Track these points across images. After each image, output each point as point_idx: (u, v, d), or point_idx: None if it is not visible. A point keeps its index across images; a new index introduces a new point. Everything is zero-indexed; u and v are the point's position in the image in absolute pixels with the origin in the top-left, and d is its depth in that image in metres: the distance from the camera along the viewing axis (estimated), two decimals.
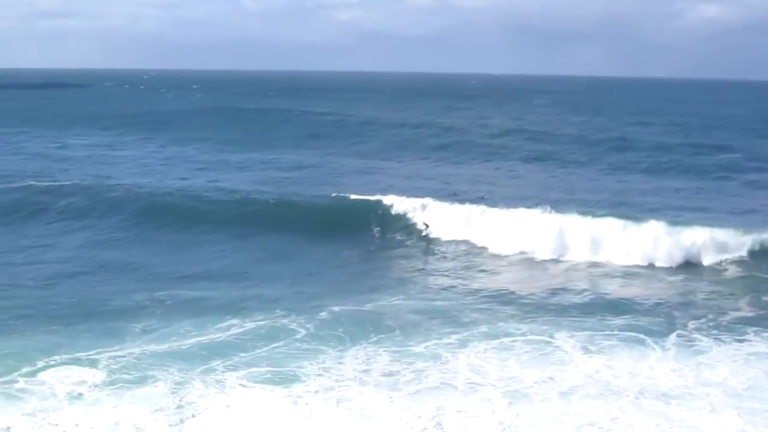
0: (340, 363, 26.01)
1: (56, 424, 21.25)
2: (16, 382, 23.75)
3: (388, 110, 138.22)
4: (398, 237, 45.25)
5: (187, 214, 47.17)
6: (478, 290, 35.37)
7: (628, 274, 38.42)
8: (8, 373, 24.37)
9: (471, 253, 41.90)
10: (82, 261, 39.26)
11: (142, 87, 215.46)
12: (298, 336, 28.51)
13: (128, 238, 43.85)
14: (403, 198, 47.39)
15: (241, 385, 24.06)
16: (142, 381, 24.08)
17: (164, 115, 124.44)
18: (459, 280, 37.30)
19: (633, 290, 35.70)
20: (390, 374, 25.11)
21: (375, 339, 28.29)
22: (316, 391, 23.61)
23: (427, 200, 46.59)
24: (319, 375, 24.88)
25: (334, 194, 49.92)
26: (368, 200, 47.99)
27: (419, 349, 27.29)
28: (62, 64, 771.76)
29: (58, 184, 54.50)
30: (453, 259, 41.06)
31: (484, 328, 29.57)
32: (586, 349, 27.38)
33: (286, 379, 24.49)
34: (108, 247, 42.13)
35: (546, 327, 29.81)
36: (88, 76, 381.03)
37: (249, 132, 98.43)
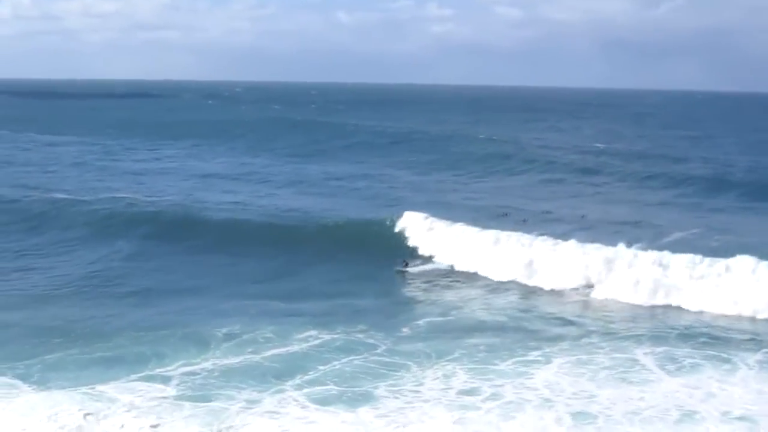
0: (417, 382, 25.66)
1: None
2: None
3: (466, 122, 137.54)
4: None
5: (273, 232, 46.74)
6: (560, 308, 34.95)
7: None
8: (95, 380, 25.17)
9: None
10: (175, 274, 40.02)
11: (211, 102, 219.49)
12: (378, 351, 28.43)
13: (217, 250, 43.98)
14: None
15: (304, 407, 23.61)
16: (207, 398, 24.01)
17: (237, 125, 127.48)
18: (543, 298, 36.93)
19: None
20: (469, 392, 24.84)
21: (456, 355, 28.02)
22: (383, 416, 23.08)
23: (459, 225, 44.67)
24: (391, 396, 24.50)
25: (405, 213, 47.07)
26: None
27: (500, 366, 27.00)
28: (159, 76, 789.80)
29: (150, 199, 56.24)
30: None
31: (566, 345, 29.30)
32: (665, 368, 26.92)
33: (355, 400, 24.10)
34: (197, 261, 42.42)
35: (627, 344, 29.45)
36: (176, 87, 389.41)
37: (316, 144, 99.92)
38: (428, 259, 42.24)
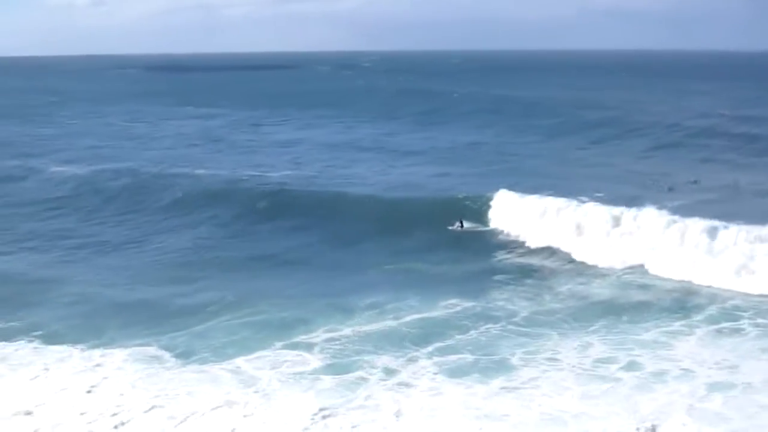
0: (554, 350, 25.70)
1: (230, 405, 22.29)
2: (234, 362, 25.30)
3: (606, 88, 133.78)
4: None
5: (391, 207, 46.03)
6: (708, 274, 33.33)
7: None
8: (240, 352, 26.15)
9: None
10: (314, 246, 40.82)
11: (349, 73, 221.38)
12: (516, 318, 28.59)
13: (350, 223, 43.90)
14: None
15: (436, 375, 23.90)
16: (346, 368, 24.55)
17: (342, 94, 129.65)
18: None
19: None
20: (605, 361, 24.77)
21: (598, 325, 27.90)
22: (515, 388, 23.08)
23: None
24: (526, 365, 24.56)
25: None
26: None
27: (641, 336, 26.71)
28: (298, 48, 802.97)
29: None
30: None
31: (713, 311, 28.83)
32: None
33: (488, 369, 24.31)
34: (333, 233, 42.70)
35: None
36: (315, 59, 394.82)
37: (444, 113, 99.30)
38: (485, 222, 42.46)
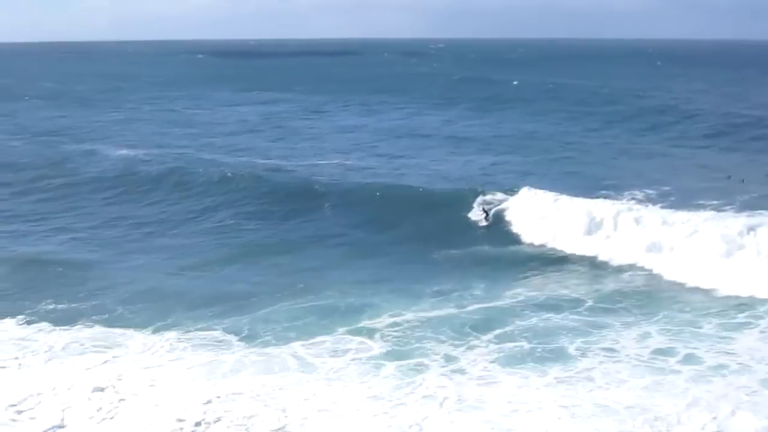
0: (614, 341, 25.75)
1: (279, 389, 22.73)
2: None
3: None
4: None
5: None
6: None
7: None
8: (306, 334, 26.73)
9: None
10: (380, 234, 40.84)
11: (415, 60, 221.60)
12: (580, 309, 28.75)
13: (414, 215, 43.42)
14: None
15: (491, 364, 24.19)
16: (406, 355, 24.92)
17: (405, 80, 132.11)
18: None
19: None
20: (664, 353, 24.76)
21: (659, 316, 27.90)
22: (567, 378, 23.26)
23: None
24: (583, 355, 24.70)
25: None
26: None
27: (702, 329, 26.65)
28: (369, 34, 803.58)
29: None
30: None
31: None
32: None
33: (544, 358, 24.50)
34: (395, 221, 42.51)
35: None
36: (384, 45, 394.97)
37: (502, 102, 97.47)
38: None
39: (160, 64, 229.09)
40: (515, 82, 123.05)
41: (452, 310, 28.67)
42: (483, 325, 27.18)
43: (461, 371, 23.72)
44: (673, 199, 43.09)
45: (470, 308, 28.84)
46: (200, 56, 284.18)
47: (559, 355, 24.73)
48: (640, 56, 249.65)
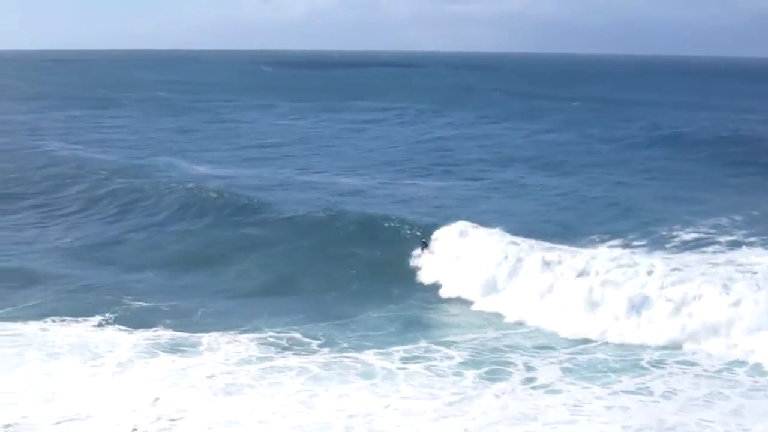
0: None
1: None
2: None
3: None
4: None
5: None
6: None
7: None
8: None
9: None
10: None
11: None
12: None
13: None
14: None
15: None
16: (484, 366, 24.82)
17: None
18: None
19: None
20: None
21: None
22: None
23: None
24: None
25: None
26: None
27: None
28: (466, 48, 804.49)
29: None
30: None
31: None
32: None
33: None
34: None
35: None
36: (460, 59, 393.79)
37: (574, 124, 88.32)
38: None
39: (257, 75, 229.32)
40: (575, 103, 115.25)
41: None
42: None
43: (544, 386, 23.51)
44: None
45: None
46: (267, 68, 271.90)
47: None
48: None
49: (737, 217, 41.05)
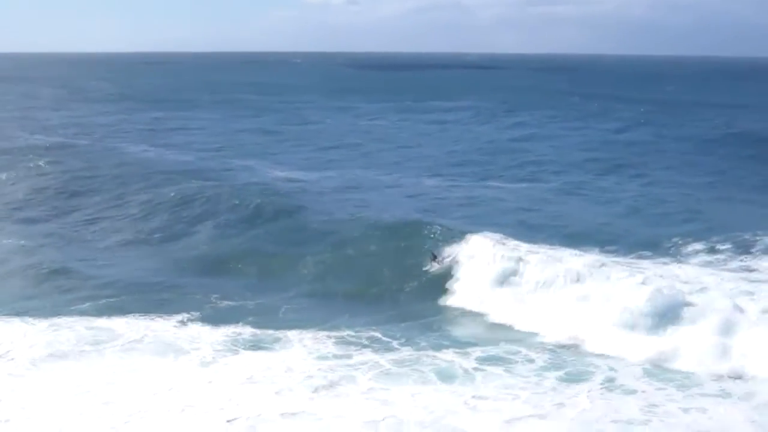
0: None
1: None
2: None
3: None
4: None
5: None
6: None
7: None
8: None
9: None
10: None
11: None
12: None
13: None
14: None
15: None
16: (565, 368, 24.69)
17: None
18: None
19: None
20: None
21: None
22: None
23: None
24: None
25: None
26: None
27: None
28: (552, 49, 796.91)
29: None
30: None
31: None
32: None
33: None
34: None
35: None
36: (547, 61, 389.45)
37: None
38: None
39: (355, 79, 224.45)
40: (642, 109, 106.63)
41: None
42: None
43: (628, 389, 23.19)
44: None
45: None
46: (384, 72, 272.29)
47: None
48: None
49: None
